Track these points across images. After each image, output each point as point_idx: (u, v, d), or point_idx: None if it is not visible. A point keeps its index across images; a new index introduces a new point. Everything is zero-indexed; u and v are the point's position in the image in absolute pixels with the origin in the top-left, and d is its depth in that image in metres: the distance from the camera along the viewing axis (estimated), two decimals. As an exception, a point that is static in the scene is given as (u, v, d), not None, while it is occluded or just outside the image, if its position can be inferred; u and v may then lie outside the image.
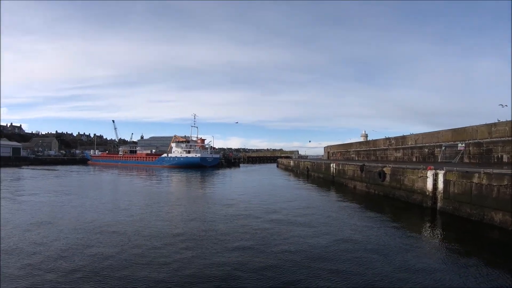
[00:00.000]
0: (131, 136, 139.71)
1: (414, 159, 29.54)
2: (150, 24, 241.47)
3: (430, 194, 14.76)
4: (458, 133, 23.74)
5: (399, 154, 33.19)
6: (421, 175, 15.60)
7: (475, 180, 11.86)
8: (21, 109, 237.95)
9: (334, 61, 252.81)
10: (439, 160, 24.68)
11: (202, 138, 79.01)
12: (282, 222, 12.57)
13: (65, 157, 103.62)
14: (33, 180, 34.60)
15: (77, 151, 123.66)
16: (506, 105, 26.20)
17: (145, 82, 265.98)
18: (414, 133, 31.72)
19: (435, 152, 26.27)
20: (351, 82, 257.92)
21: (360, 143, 48.62)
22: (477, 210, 11.68)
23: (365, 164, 24.30)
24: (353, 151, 48.89)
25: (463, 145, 22.47)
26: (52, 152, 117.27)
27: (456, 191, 12.96)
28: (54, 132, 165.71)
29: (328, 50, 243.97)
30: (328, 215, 14.19)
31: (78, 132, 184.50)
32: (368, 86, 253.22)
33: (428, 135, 28.32)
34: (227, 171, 56.68)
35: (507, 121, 19.49)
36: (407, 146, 31.63)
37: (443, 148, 24.74)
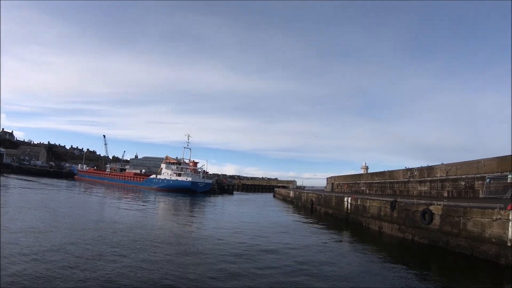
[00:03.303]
0: (123, 154, 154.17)
1: (445, 194, 27.93)
2: (159, 47, 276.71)
3: (514, 246, 12.40)
4: (506, 161, 22.19)
5: (424, 188, 31.63)
6: (498, 217, 13.26)
7: None
8: (20, 117, 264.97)
9: (337, 94, 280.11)
10: (482, 195, 23.07)
11: (195, 161, 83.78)
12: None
13: (50, 169, 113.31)
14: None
15: (66, 164, 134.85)
16: None
17: (147, 103, 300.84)
18: (444, 162, 30.32)
19: (475, 185, 24.75)
20: (352, 115, 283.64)
21: (372, 174, 47.24)
22: None
23: (398, 199, 22.04)
24: (364, 183, 47.73)
25: None
26: (39, 162, 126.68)
27: None
28: (46, 143, 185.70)
29: (331, 82, 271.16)
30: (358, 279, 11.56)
31: (71, 145, 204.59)
32: (369, 120, 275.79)
33: (464, 165, 26.81)
34: (219, 199, 57.72)
35: None
36: (435, 178, 30.12)
37: (488, 180, 23.13)
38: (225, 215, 31.57)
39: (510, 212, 12.78)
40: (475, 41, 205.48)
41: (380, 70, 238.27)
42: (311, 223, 28.43)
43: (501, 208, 13.37)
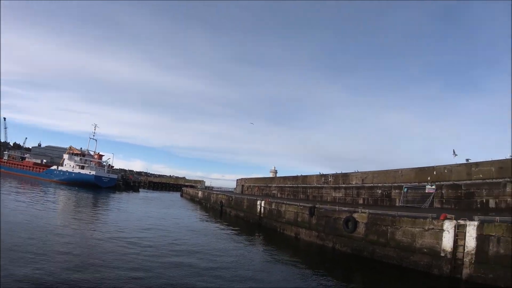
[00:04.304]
0: (25, 141, 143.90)
1: (361, 201, 28.85)
2: (75, 27, 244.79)
3: (448, 256, 12.37)
4: (425, 172, 23.62)
5: (339, 194, 32.41)
6: (431, 227, 13.31)
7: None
8: None
9: (250, 99, 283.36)
10: (399, 204, 24.13)
11: (100, 154, 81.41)
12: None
13: None
14: None
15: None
16: (457, 155, 27.32)
17: (55, 87, 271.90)
18: (359, 170, 31.41)
19: (392, 193, 25.89)
20: (263, 121, 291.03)
21: (284, 178, 47.72)
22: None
23: (317, 205, 21.78)
24: (275, 186, 47.87)
25: (434, 187, 22.23)
26: None
27: (503, 251, 10.97)
28: None
29: (246, 87, 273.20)
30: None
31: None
32: (280, 126, 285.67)
33: (381, 173, 27.98)
34: (124, 196, 55.60)
35: (492, 160, 19.72)
36: (350, 185, 31.05)
37: (405, 189, 24.33)
38: (129, 216, 28.83)
39: (444, 222, 12.90)
40: (382, 64, 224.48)
41: (294, 81, 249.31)
42: (221, 227, 26.96)
43: (433, 218, 13.45)
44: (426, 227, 13.51)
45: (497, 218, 11.73)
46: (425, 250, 13.35)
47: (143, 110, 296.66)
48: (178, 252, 15.02)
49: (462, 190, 20.71)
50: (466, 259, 11.91)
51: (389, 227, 15.28)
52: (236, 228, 26.02)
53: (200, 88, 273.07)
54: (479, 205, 19.49)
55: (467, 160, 21.66)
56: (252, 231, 25.34)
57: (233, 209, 35.62)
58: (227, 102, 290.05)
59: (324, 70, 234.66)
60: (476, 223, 11.90)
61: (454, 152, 24.86)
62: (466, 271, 11.85)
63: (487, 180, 19.37)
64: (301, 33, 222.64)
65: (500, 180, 18.73)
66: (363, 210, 17.62)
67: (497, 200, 18.64)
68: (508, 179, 18.23)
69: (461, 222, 12.35)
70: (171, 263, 12.83)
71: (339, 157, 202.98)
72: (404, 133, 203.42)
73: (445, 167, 22.26)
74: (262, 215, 28.11)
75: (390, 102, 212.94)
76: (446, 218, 12.97)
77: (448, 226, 12.65)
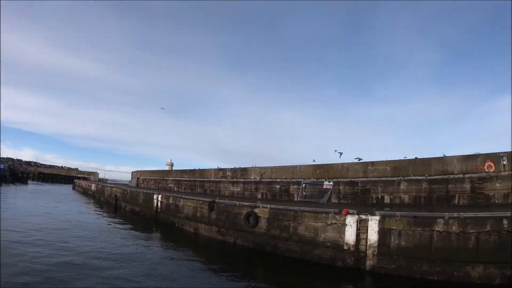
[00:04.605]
0: None
1: (259, 196, 28.80)
2: None
3: (352, 249, 12.41)
4: (323, 169, 24.43)
5: (237, 189, 32.12)
6: (333, 221, 13.21)
7: (439, 227, 10.97)
8: None
9: (150, 88, 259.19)
10: (297, 199, 24.53)
11: None
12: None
13: None
14: None
15: None
16: (341, 152, 28.69)
17: None
18: (258, 165, 31.30)
19: (290, 189, 26.27)
20: (162, 112, 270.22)
21: (182, 171, 46.11)
22: (441, 267, 10.78)
23: (217, 200, 20.87)
24: (172, 180, 46.11)
25: (331, 183, 22.99)
26: None
27: (404, 243, 11.48)
28: None
29: (147, 76, 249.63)
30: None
31: None
32: (179, 119, 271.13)
33: (280, 169, 28.20)
34: (11, 189, 51.92)
35: (387, 160, 21.12)
36: (249, 180, 30.95)
37: (303, 185, 24.78)
38: (16, 212, 25.22)
39: (346, 217, 12.92)
40: (282, 64, 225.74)
41: (196, 74, 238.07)
42: (116, 222, 24.66)
43: (335, 213, 13.44)
44: (329, 222, 13.44)
45: (398, 213, 12.18)
46: (328, 243, 13.27)
47: (35, 92, 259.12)
48: (70, 252, 13.65)
49: (359, 186, 21.83)
50: (369, 251, 12.14)
51: (291, 222, 14.94)
52: (132, 224, 24.05)
53: (99, 72, 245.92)
54: (374, 201, 20.68)
55: (358, 159, 22.86)
56: (149, 227, 23.72)
57: (129, 204, 33.14)
58: (126, 90, 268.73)
59: (225, 66, 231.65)
60: (377, 217, 12.16)
61: (337, 151, 25.92)
62: (369, 263, 12.08)
63: (383, 178, 20.71)
64: (208, 26, 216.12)
65: (395, 178, 20.19)
66: (264, 205, 17.10)
67: (391, 196, 20.03)
68: (402, 178, 19.60)
69: (363, 217, 12.51)
70: (62, 264, 11.67)
71: (237, 152, 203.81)
72: (302, 132, 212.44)
73: (342, 164, 23.26)
74: (159, 210, 26.33)
75: (289, 102, 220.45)
76: (348, 213, 13.03)
77: (351, 221, 12.71)
